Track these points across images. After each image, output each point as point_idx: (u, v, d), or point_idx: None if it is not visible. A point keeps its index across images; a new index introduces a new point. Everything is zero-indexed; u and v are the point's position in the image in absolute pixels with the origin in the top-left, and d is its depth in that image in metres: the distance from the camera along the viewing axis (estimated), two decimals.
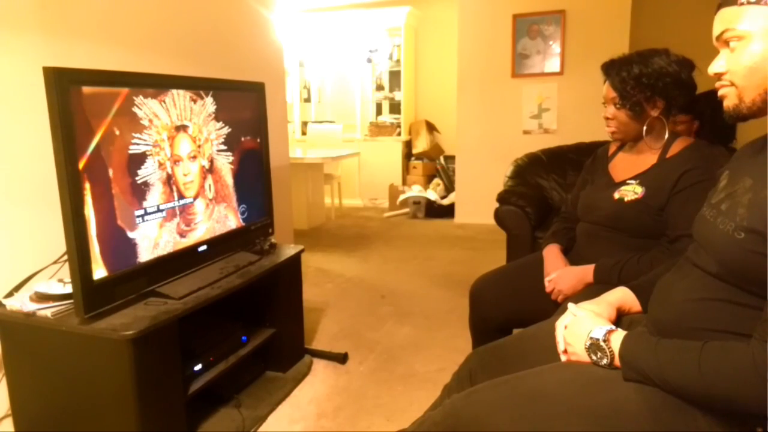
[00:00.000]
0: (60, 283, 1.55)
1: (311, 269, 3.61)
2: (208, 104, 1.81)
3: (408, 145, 6.19)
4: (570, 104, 4.64)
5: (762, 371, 0.77)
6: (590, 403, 0.94)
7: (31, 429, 1.57)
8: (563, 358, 1.08)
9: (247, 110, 2.05)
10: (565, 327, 1.09)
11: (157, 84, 1.60)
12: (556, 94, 4.68)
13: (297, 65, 6.39)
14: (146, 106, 1.54)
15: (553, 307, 1.51)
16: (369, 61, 6.19)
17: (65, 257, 1.41)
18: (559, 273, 1.61)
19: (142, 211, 1.54)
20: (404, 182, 6.01)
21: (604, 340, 0.98)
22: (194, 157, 1.75)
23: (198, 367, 1.72)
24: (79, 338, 1.43)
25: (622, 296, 1.19)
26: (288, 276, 2.15)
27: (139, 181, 1.52)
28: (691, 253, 1.01)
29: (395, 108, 6.32)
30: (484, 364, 1.28)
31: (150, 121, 1.55)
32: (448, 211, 5.30)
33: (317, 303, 2.98)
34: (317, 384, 2.13)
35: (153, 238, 1.59)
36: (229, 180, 1.95)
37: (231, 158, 1.94)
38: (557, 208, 2.90)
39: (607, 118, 1.58)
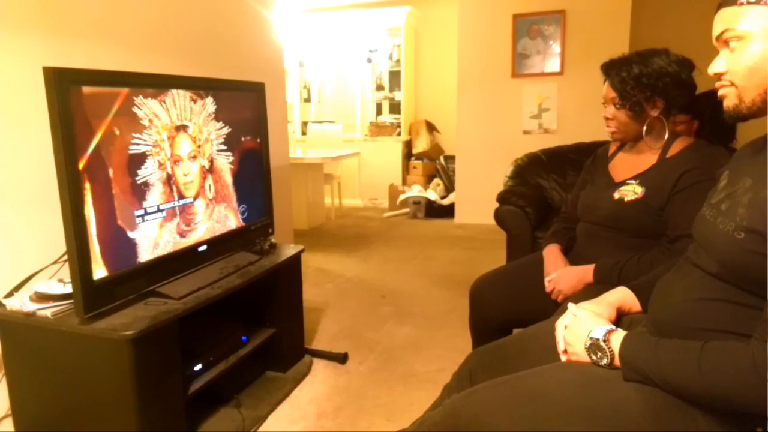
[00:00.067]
0: (60, 283, 1.55)
1: (311, 269, 3.61)
2: (208, 104, 1.81)
3: (408, 145, 6.19)
4: (570, 104, 4.64)
5: (762, 371, 0.77)
6: (590, 403, 0.94)
7: (31, 429, 1.57)
8: (563, 358, 1.08)
9: (247, 110, 2.05)
10: (565, 327, 1.09)
11: (157, 84, 1.60)
12: (556, 94, 4.68)
13: (297, 65, 6.39)
14: (146, 106, 1.54)
15: (553, 307, 1.51)
16: (369, 61, 6.19)
17: (65, 257, 1.41)
18: (559, 273, 1.61)
19: (142, 211, 1.54)
20: (404, 182, 6.01)
21: (604, 340, 0.98)
22: (194, 157, 1.75)
23: (198, 367, 1.72)
24: (79, 338, 1.43)
25: (622, 296, 1.19)
26: (288, 276, 2.15)
27: (139, 181, 1.52)
28: (691, 253, 1.01)
29: (395, 108, 6.32)
30: (484, 364, 1.28)
31: (150, 121, 1.55)
32: (448, 211, 5.30)
33: (317, 303, 2.98)
34: (317, 384, 2.13)
35: (153, 238, 1.59)
36: (229, 180, 1.95)
37: (231, 158, 1.94)
38: (557, 208, 2.90)
39: (607, 118, 1.58)
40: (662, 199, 1.45)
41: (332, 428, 1.84)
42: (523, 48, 4.71)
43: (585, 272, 1.57)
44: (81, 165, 1.34)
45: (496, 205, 2.74)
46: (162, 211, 1.62)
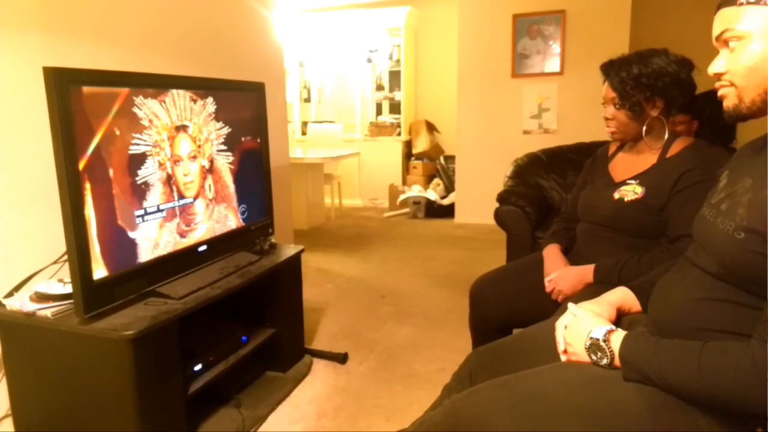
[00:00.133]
0: (60, 283, 1.55)
1: (311, 269, 3.61)
2: (208, 104, 1.81)
3: (408, 145, 6.19)
4: (570, 104, 4.64)
5: (762, 371, 0.77)
6: (590, 403, 0.94)
7: (31, 429, 1.57)
8: (563, 358, 1.08)
9: (247, 110, 2.05)
10: (565, 327, 1.09)
11: (157, 84, 1.60)
12: (556, 94, 4.68)
13: (297, 65, 6.39)
14: (146, 106, 1.54)
15: (553, 307, 1.51)
16: (369, 61, 6.19)
17: (65, 257, 1.41)
18: (559, 273, 1.62)
19: (142, 211, 1.54)
20: (404, 182, 6.01)
21: (604, 340, 0.98)
22: (194, 157, 1.75)
23: (198, 367, 1.72)
24: (79, 338, 1.43)
25: (622, 296, 1.19)
26: (288, 276, 2.15)
27: (139, 181, 1.52)
28: (691, 253, 1.01)
29: (395, 108, 6.32)
30: (484, 364, 1.28)
31: (150, 121, 1.55)
32: (448, 211, 5.30)
33: (317, 303, 2.98)
34: (317, 384, 2.13)
35: (153, 238, 1.59)
36: (229, 180, 1.95)
37: (231, 158, 1.94)
38: (557, 208, 2.90)
39: (606, 119, 1.58)
40: (662, 199, 1.45)
41: (332, 428, 1.84)
42: (523, 48, 4.71)
43: (585, 272, 1.57)
44: (81, 165, 1.34)
45: (496, 205, 2.74)
46: (162, 211, 1.62)
